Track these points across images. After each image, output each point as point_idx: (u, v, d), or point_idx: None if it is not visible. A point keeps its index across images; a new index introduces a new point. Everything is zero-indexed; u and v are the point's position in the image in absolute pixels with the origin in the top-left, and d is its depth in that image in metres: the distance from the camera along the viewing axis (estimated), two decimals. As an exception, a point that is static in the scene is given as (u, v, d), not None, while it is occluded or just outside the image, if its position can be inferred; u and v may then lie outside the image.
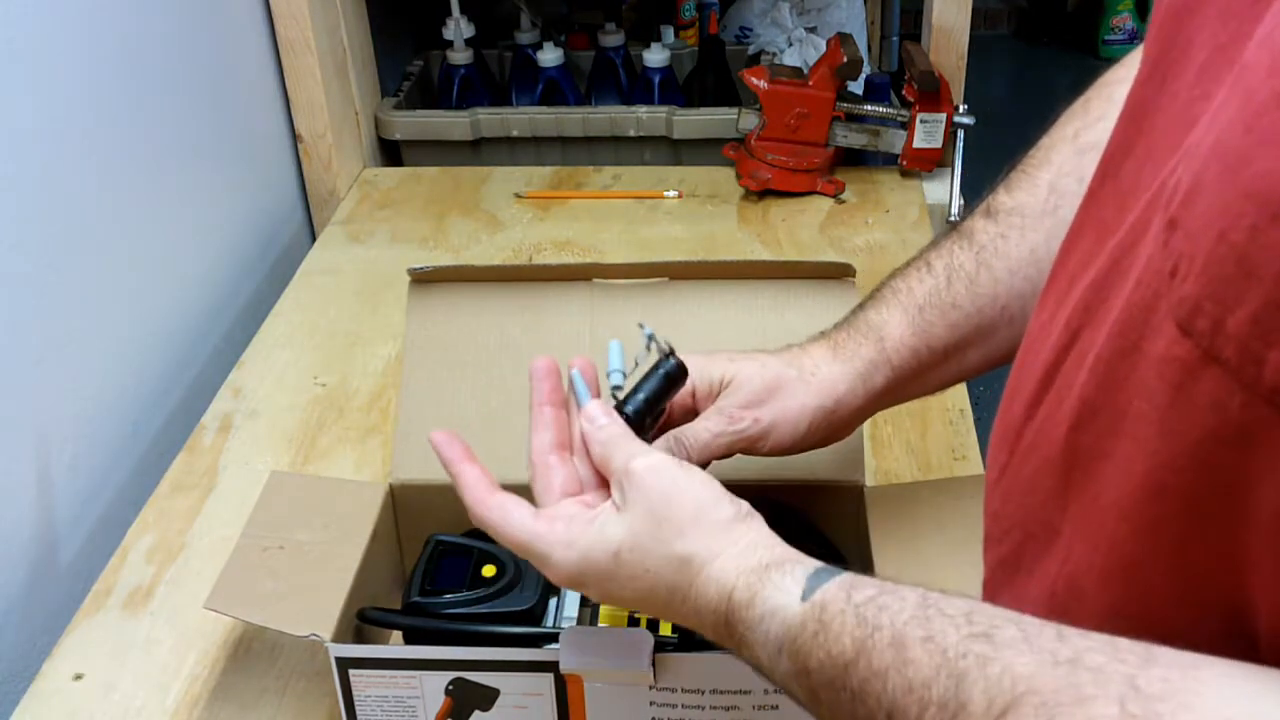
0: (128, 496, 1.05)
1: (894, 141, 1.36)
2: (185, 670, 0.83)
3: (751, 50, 1.62)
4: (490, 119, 1.48)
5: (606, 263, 1.13)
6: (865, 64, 1.39)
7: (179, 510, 0.97)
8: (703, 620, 0.55)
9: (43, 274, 0.96)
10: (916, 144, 1.34)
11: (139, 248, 1.12)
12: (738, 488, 0.59)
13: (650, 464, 0.58)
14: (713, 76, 1.59)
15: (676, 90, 1.55)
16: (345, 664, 0.70)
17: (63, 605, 0.93)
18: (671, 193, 1.39)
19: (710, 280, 0.85)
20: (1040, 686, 0.38)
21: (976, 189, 0.77)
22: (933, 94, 1.32)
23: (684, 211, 1.36)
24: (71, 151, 1.01)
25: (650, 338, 0.66)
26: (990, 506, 0.51)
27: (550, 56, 1.54)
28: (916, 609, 0.44)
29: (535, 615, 0.75)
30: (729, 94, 1.57)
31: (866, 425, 0.74)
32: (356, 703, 0.72)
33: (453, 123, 1.49)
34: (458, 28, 1.55)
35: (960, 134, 1.34)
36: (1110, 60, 0.68)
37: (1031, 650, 0.39)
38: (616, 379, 0.67)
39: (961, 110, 1.33)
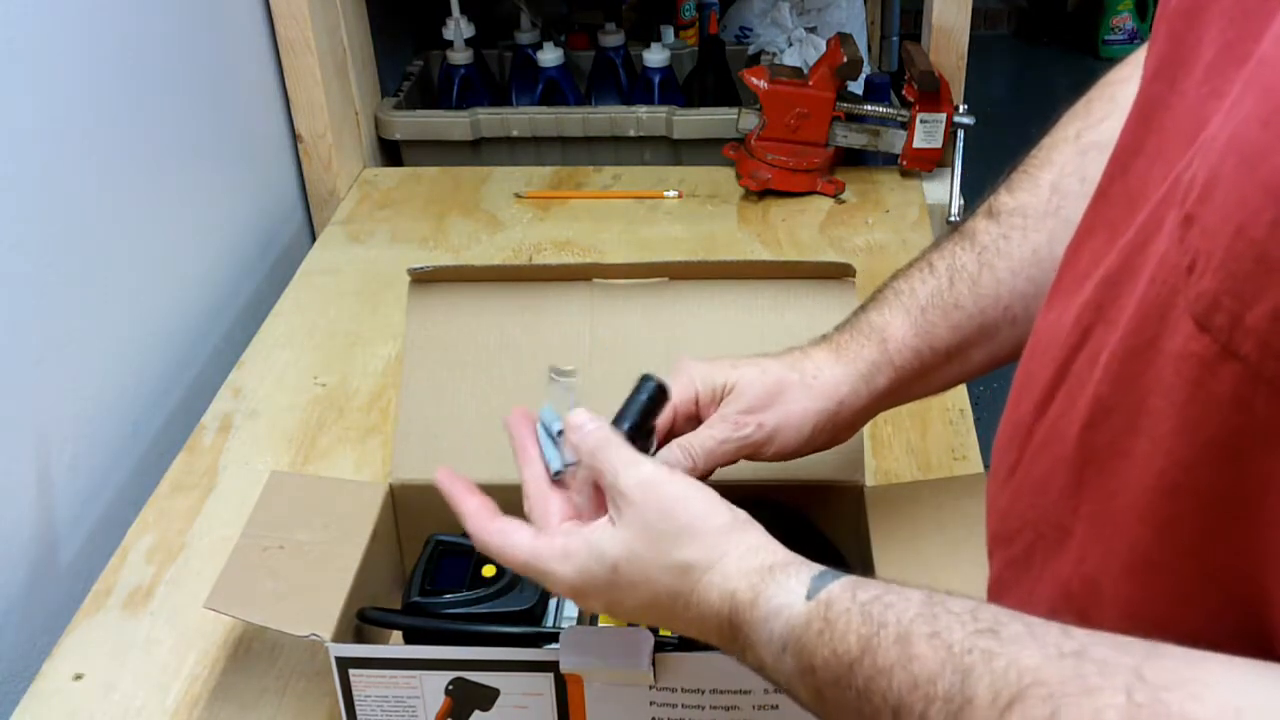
0: (128, 496, 1.05)
1: (894, 141, 1.36)
2: (185, 670, 0.83)
3: (751, 50, 1.62)
4: (490, 119, 1.48)
5: (606, 263, 1.13)
6: (865, 64, 1.39)
7: (179, 510, 0.97)
8: (706, 626, 0.55)
9: (43, 274, 0.96)
10: (916, 144, 1.35)
11: (139, 248, 1.12)
12: (739, 489, 0.59)
13: (642, 477, 0.58)
14: (713, 76, 1.59)
15: (676, 90, 1.55)
16: (345, 664, 0.70)
17: (63, 605, 0.93)
18: (671, 193, 1.39)
19: (710, 280, 0.85)
20: (1046, 678, 0.38)
21: (976, 189, 0.77)
22: (933, 94, 1.32)
23: (684, 211, 1.36)
24: (71, 151, 1.01)
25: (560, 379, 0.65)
26: (997, 507, 0.50)
27: (550, 56, 1.54)
28: (922, 607, 0.45)
29: (535, 615, 0.75)
30: (729, 94, 1.57)
31: (866, 425, 0.74)
32: (356, 703, 0.72)
33: (453, 123, 1.49)
34: (458, 28, 1.55)
35: (960, 134, 1.34)
36: (1110, 60, 0.68)
37: (1037, 644, 0.39)
38: (557, 425, 0.65)
39: (961, 110, 1.33)
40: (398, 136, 1.51)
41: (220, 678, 0.82)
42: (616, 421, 0.65)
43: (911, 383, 0.70)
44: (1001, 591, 0.50)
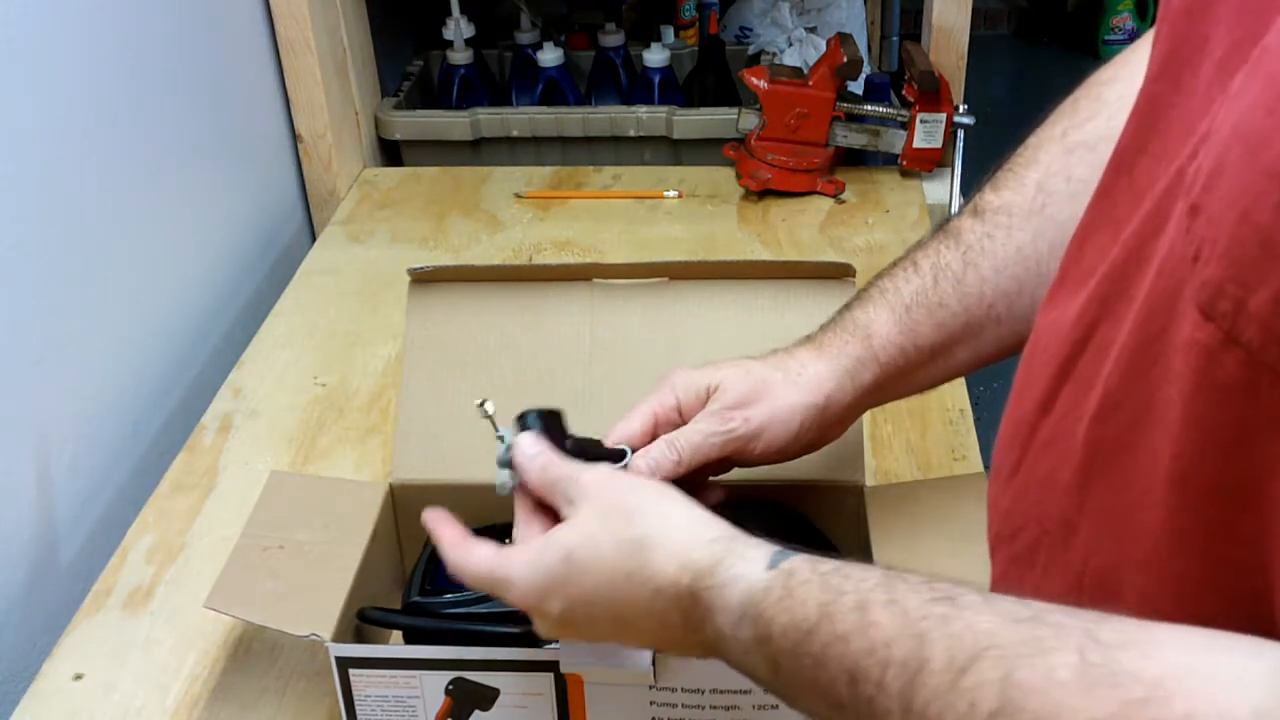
0: (128, 496, 1.05)
1: (894, 141, 1.36)
2: (185, 670, 0.83)
3: (751, 50, 1.62)
4: (490, 119, 1.48)
5: (606, 263, 1.13)
6: (865, 64, 1.39)
7: (179, 510, 0.97)
8: (663, 602, 0.54)
9: (43, 274, 0.96)
10: (916, 144, 1.35)
11: (139, 248, 1.12)
12: (739, 489, 0.59)
13: (600, 474, 0.60)
14: (713, 76, 1.59)
15: (676, 90, 1.55)
16: (345, 664, 0.70)
17: (63, 605, 0.93)
18: (671, 193, 1.39)
19: (710, 280, 0.85)
20: (1001, 641, 0.38)
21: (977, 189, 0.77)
22: (933, 94, 1.32)
23: (684, 211, 1.36)
24: (71, 151, 1.01)
25: (489, 416, 0.65)
26: (1000, 505, 0.50)
27: (550, 56, 1.54)
28: (881, 578, 0.45)
29: (535, 615, 0.75)
30: (729, 94, 1.57)
31: (866, 425, 0.74)
32: (356, 702, 0.72)
33: (453, 123, 1.49)
34: (458, 28, 1.55)
35: (960, 134, 1.34)
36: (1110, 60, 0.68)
37: (992, 610, 0.40)
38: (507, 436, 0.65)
39: (961, 110, 1.33)
40: (398, 136, 1.51)
41: (220, 678, 0.82)
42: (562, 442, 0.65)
43: (896, 380, 0.70)
44: (1005, 589, 0.50)
